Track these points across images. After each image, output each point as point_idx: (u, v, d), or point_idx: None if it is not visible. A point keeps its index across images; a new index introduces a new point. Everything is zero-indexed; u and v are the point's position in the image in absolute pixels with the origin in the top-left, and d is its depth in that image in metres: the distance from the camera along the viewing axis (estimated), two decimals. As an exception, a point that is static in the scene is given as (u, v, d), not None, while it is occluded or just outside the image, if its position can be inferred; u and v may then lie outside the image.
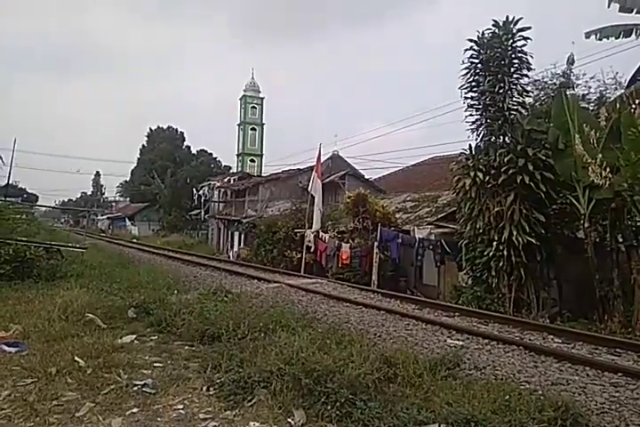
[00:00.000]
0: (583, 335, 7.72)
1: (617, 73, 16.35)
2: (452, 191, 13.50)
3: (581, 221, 10.68)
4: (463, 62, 12.38)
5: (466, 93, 12.46)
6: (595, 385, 5.16)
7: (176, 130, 63.96)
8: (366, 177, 30.76)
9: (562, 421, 3.70)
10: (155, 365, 5.27)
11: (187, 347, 6.02)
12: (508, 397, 4.19)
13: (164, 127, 64.32)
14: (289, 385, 4.34)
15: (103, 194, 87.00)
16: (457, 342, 7.04)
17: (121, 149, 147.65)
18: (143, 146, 64.73)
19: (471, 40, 12.22)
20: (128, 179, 69.15)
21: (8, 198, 20.40)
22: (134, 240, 36.89)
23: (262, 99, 62.98)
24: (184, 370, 5.12)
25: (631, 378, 5.41)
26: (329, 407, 3.97)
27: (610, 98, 15.31)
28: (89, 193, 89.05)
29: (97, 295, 8.41)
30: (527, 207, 11.05)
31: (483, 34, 12.17)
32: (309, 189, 20.00)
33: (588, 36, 11.77)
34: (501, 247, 11.05)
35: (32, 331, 6.20)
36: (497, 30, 12.02)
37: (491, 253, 11.26)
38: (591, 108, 15.34)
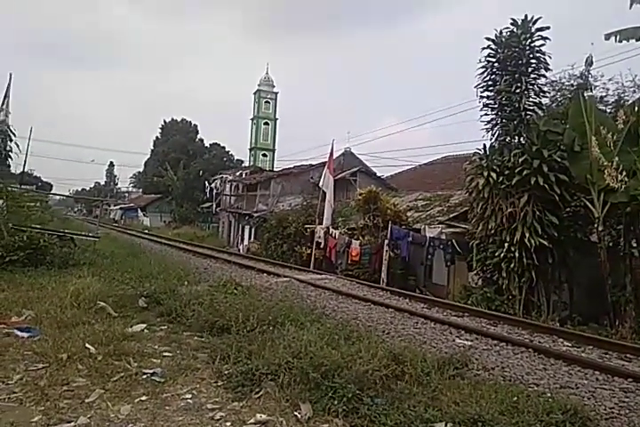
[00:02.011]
0: (593, 340, 7.65)
1: (635, 75, 16.11)
2: (465, 191, 13.43)
3: (595, 225, 10.56)
4: (480, 61, 12.30)
5: (482, 92, 12.37)
6: (604, 390, 5.11)
7: (190, 122, 64.07)
8: (378, 174, 30.67)
9: (570, 424, 3.67)
10: (164, 354, 5.32)
11: (196, 338, 6.06)
12: (516, 398, 4.16)
13: (178, 120, 64.43)
14: (296, 379, 4.36)
15: (116, 184, 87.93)
16: (465, 341, 7.02)
17: (135, 140, 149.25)
18: (157, 138, 64.97)
19: (489, 39, 12.12)
20: (141, 170, 69.65)
21: (23, 186, 20.62)
22: (146, 231, 37.14)
23: (276, 93, 62.98)
24: (193, 360, 5.16)
25: (641, 384, 5.36)
26: (336, 402, 3.97)
27: (628, 101, 15.09)
28: (102, 183, 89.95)
29: (108, 284, 8.50)
30: (540, 209, 10.95)
31: (501, 32, 12.07)
32: (321, 184, 19.99)
33: (607, 37, 11.56)
34: (513, 249, 10.96)
35: (44, 317, 6.28)
36: (515, 29, 11.91)
37: (502, 255, 11.18)
38: (608, 110, 15.14)
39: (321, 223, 19.19)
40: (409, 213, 18.45)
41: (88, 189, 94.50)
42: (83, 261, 11.27)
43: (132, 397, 4.15)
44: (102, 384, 4.36)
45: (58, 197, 63.18)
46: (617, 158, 9.85)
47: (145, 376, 4.57)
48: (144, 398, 4.14)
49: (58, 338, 5.41)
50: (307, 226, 20.26)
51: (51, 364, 4.73)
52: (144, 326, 6.38)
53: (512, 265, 11.02)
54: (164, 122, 64.97)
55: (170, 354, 5.33)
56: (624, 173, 9.70)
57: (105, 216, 59.47)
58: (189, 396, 4.24)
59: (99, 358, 4.92)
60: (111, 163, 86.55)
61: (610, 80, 16.52)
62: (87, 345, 5.19)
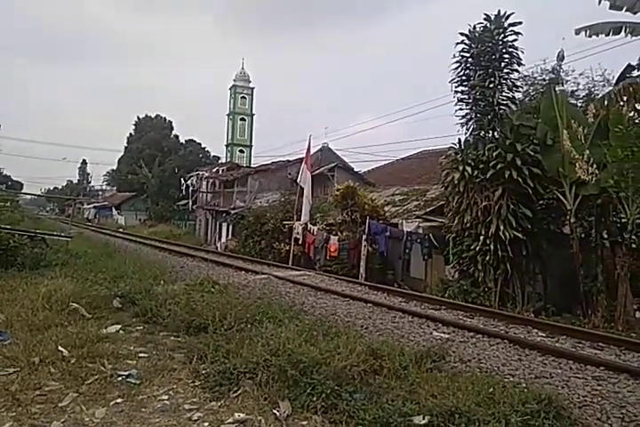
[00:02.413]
0: (567, 329, 7.80)
1: (605, 70, 16.53)
2: (441, 185, 13.56)
3: (567, 217, 10.79)
4: (454, 56, 12.40)
5: (456, 87, 12.48)
6: (577, 379, 5.22)
7: (164, 119, 63.12)
8: (355, 170, 30.75)
9: (545, 413, 3.73)
10: (140, 355, 5.24)
11: (172, 338, 5.98)
12: (492, 389, 4.22)
13: (152, 116, 63.43)
14: (275, 376, 4.34)
15: (89, 182, 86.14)
16: (443, 334, 7.08)
17: (108, 137, 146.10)
18: (131, 134, 63.86)
19: (462, 34, 12.22)
20: (115, 168, 68.42)
21: (-8, 186, 20.08)
22: (120, 230, 36.54)
23: (252, 89, 62.63)
24: (169, 361, 5.09)
25: (613, 372, 5.48)
26: (314, 399, 3.97)
27: (598, 95, 15.45)
28: (75, 181, 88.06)
29: (82, 285, 8.31)
30: (514, 202, 11.12)
31: (474, 28, 12.17)
32: (299, 180, 19.92)
33: (578, 32, 11.78)
34: (488, 242, 11.12)
35: (15, 320, 6.11)
36: (488, 24, 12.03)
37: (477, 248, 11.33)
38: (579, 104, 15.46)
39: (299, 219, 19.15)
40: (386, 208, 18.54)
41: (60, 187, 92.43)
42: (55, 261, 11.00)
43: (107, 400, 4.08)
44: (76, 388, 4.27)
45: (29, 197, 61.77)
46: (588, 151, 10.07)
47: (120, 378, 4.49)
48: (119, 400, 4.08)
49: (29, 341, 5.27)
50: (285, 222, 20.19)
51: (22, 368, 4.61)
52: (119, 327, 6.27)
53: (487, 258, 11.19)
54: (138, 118, 63.94)
55: (145, 355, 5.25)
56: (595, 166, 9.92)
57: (78, 215, 58.24)
58: (166, 397, 4.18)
59: (72, 360, 4.81)
60: (84, 160, 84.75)
61: (580, 75, 16.95)
62: (60, 348, 5.07)
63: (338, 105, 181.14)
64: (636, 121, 12.20)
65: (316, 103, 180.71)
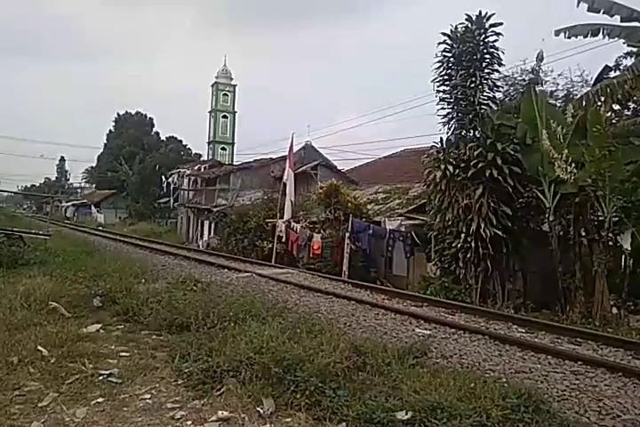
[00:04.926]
0: (546, 325, 7.95)
1: (583, 71, 16.83)
2: (423, 184, 13.68)
3: (546, 215, 10.98)
4: (436, 56, 12.50)
5: (438, 87, 12.58)
6: (556, 373, 5.32)
7: (145, 115, 62.34)
8: (338, 168, 30.76)
9: (524, 408, 3.78)
10: (121, 354, 5.18)
11: (154, 336, 5.93)
12: (473, 384, 4.27)
13: (133, 113, 62.58)
14: (258, 374, 4.33)
15: (68, 180, 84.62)
16: (425, 331, 7.15)
17: (87, 134, 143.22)
18: (110, 131, 62.93)
19: (444, 34, 12.31)
20: (94, 165, 67.34)
21: (-34, 183, 19.64)
22: (100, 228, 36.03)
23: (234, 86, 62.13)
24: (151, 360, 5.04)
25: (590, 366, 5.60)
26: (298, 396, 3.97)
27: (576, 95, 15.71)
28: (53, 179, 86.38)
29: (61, 283, 8.17)
30: (495, 200, 11.27)
31: (456, 28, 12.27)
32: (284, 178, 19.86)
33: (557, 33, 11.95)
34: (469, 239, 11.26)
35: (-8, 319, 5.99)
36: (470, 25, 12.14)
37: (459, 245, 11.47)
38: (558, 104, 15.71)
39: (282, 217, 19.12)
40: (369, 206, 18.63)
41: (38, 185, 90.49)
42: (33, 260, 10.82)
43: (88, 399, 4.03)
44: (56, 387, 4.21)
45: (5, 194, 60.58)
46: (566, 151, 10.24)
47: (101, 378, 4.44)
48: (101, 399, 4.03)
49: (7, 341, 5.17)
50: (268, 220, 20.14)
51: (0, 368, 4.52)
52: (99, 326, 6.20)
53: (468, 255, 11.33)
54: (118, 115, 63.04)
55: (127, 354, 5.19)
56: (573, 165, 10.09)
57: (56, 213, 57.34)
58: (148, 396, 4.14)
59: (52, 360, 4.74)
60: (62, 158, 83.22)
61: (559, 75, 17.23)
62: (39, 347, 4.99)
63: (321, 103, 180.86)
64: (613, 121, 12.51)
65: (300, 101, 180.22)
